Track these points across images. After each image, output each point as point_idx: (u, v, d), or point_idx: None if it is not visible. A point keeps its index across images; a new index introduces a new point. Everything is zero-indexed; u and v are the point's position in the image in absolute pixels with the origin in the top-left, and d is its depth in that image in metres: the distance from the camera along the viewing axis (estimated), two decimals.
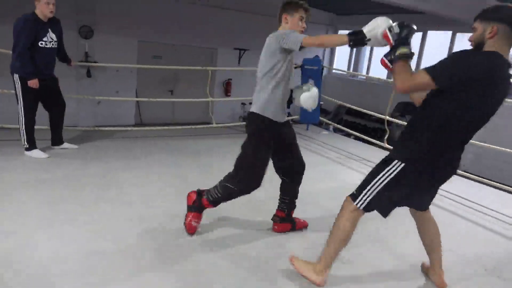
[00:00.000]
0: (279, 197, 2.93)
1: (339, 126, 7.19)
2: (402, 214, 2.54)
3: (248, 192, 2.64)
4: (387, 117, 5.24)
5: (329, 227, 2.24)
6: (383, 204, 2.12)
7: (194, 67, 7.15)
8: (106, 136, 5.09)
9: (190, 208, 2.74)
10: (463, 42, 8.92)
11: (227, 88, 9.66)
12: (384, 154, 5.34)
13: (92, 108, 7.92)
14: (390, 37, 2.03)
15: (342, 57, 11.14)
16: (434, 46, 9.01)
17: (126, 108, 8.49)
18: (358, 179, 2.31)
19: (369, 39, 2.09)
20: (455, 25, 7.78)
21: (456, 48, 8.27)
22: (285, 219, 2.93)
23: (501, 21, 1.85)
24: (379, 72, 9.64)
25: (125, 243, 2.59)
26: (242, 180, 2.58)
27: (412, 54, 1.95)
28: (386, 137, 5.18)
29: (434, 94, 1.98)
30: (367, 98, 8.42)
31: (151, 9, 8.23)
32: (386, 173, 2.04)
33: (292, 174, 2.80)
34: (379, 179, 2.06)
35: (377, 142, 5.66)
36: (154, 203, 3.27)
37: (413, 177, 2.03)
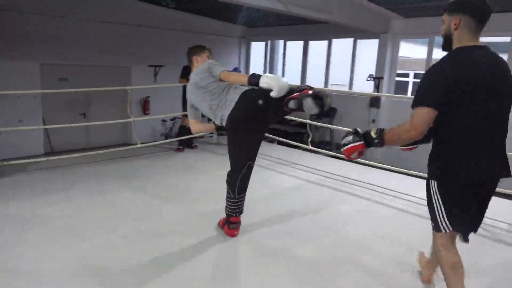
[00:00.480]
0: None
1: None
2: None
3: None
4: (309, 121, 5.53)
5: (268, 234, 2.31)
6: (455, 219, 1.97)
7: (110, 87, 6.79)
8: (17, 171, 4.56)
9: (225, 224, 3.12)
10: (363, 48, 9.86)
11: (145, 107, 9.35)
12: (309, 155, 5.64)
13: None
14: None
15: (258, 69, 11.53)
16: (340, 53, 9.80)
17: (33, 137, 7.73)
18: (290, 183, 2.46)
19: (261, 86, 2.62)
20: (355, 33, 8.56)
21: (357, 53, 9.09)
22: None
23: (464, 12, 1.85)
24: (293, 80, 10.16)
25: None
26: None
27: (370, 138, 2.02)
28: (310, 140, 5.47)
29: None
30: None
31: (51, 29, 7.66)
32: (434, 194, 1.99)
33: None
34: (435, 201, 1.99)
35: (302, 145, 5.95)
36: (89, 237, 3.02)
37: (451, 192, 1.95)
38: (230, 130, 2.86)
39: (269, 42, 10.94)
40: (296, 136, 9.16)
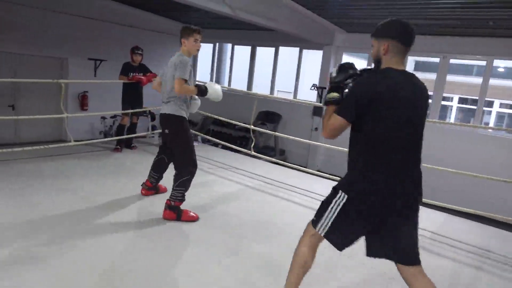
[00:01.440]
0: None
1: (207, 136, 7.34)
2: None
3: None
4: (252, 126, 5.57)
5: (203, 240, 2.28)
6: (337, 235, 1.99)
7: (39, 80, 6.36)
8: None
9: (178, 217, 3.44)
10: (309, 58, 10.17)
11: (83, 102, 8.83)
12: (251, 161, 5.67)
13: None
14: None
15: (204, 72, 11.41)
16: (285, 60, 10.01)
17: None
18: (231, 189, 2.47)
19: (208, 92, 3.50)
20: (301, 42, 8.80)
21: (303, 63, 9.36)
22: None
23: (391, 37, 1.96)
24: (240, 84, 10.20)
25: None
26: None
27: (339, 99, 2.01)
28: (252, 145, 5.51)
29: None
30: (232, 109, 8.82)
31: None
32: (335, 203, 1.98)
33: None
34: (332, 208, 1.99)
35: (244, 150, 5.98)
36: (5, 243, 2.76)
37: (354, 209, 1.94)
38: (187, 129, 3.48)
39: (217, 44, 10.89)
40: (241, 140, 9.20)
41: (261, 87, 10.19)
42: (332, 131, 1.98)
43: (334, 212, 1.97)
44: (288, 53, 9.81)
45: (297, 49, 9.26)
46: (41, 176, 4.27)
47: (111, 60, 8.65)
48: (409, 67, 13.90)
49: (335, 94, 2.02)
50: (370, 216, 1.93)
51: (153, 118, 9.36)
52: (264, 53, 10.18)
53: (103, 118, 8.81)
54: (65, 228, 3.09)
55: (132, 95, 6.16)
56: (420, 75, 2.13)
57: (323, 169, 8.05)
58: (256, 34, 9.51)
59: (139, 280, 2.48)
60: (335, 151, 6.26)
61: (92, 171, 4.72)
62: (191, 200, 3.79)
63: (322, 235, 2.00)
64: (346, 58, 9.02)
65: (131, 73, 6.14)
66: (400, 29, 1.98)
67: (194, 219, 3.49)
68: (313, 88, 8.70)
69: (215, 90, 3.54)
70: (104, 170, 4.85)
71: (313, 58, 9.66)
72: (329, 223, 1.98)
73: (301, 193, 4.71)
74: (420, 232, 2.07)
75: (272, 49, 9.66)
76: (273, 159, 5.94)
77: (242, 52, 10.52)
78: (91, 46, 8.68)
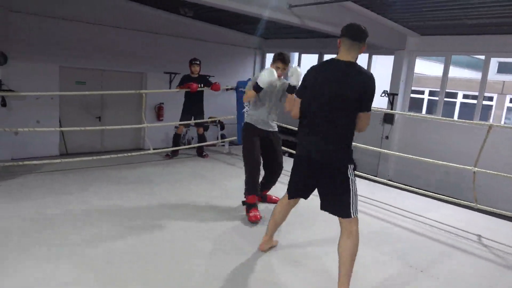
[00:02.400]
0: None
1: None
2: None
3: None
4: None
5: None
6: (289, 187, 2.74)
7: (125, 91, 6.96)
8: (30, 171, 4.66)
9: (249, 207, 3.71)
10: (377, 63, 9.85)
11: (159, 113, 9.46)
12: None
13: (9, 140, 7.20)
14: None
15: None
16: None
17: (49, 138, 7.86)
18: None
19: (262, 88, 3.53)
20: (371, 48, 8.55)
21: (373, 68, 9.08)
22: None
23: (342, 35, 2.51)
24: None
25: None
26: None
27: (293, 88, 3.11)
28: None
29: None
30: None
31: (73, 33, 7.84)
32: (353, 182, 2.49)
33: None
34: (355, 189, 2.51)
35: None
36: (99, 243, 3.05)
37: (294, 165, 2.66)
38: (247, 134, 3.89)
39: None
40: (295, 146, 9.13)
41: None
42: (293, 107, 2.68)
43: (356, 188, 2.50)
44: (361, 60, 9.57)
45: (366, 55, 9.01)
46: (126, 183, 4.64)
47: (184, 73, 9.16)
48: (492, 68, 12.75)
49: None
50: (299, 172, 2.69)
51: (222, 128, 9.72)
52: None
53: (177, 127, 9.34)
54: (148, 230, 3.33)
55: (191, 106, 6.32)
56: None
57: (394, 178, 7.70)
58: (323, 42, 9.45)
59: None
60: (408, 159, 5.99)
61: (170, 178, 5.02)
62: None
63: (357, 215, 2.49)
64: (419, 62, 8.59)
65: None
66: (347, 27, 2.53)
67: (252, 220, 3.59)
68: (383, 94, 8.39)
69: (261, 75, 3.50)
70: (181, 175, 5.12)
71: (382, 64, 9.32)
72: (357, 201, 2.51)
73: (374, 204, 4.56)
74: None
75: None
76: None
77: (309, 60, 10.51)
78: (166, 61, 9.29)
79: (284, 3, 5.89)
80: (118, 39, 8.47)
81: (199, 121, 6.51)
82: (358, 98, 2.39)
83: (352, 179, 2.45)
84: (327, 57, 9.93)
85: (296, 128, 2.74)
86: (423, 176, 7.66)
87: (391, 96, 8.27)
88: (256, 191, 3.72)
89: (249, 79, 7.23)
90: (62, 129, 7.27)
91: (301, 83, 2.62)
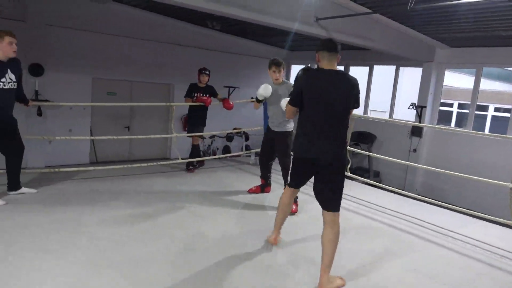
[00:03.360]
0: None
1: None
2: None
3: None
4: (348, 147, 5.49)
5: None
6: (292, 181, 3.07)
7: (155, 103, 7.13)
8: (64, 178, 4.83)
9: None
10: (404, 75, 9.72)
11: (185, 123, 9.61)
12: (347, 182, 5.54)
13: (43, 148, 7.49)
14: None
15: None
16: (379, 79, 9.71)
17: (80, 146, 8.13)
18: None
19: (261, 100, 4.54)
20: (398, 60, 8.48)
21: (399, 80, 8.98)
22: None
23: (319, 49, 2.83)
24: None
25: None
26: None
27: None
28: (348, 166, 5.41)
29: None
30: None
31: (105, 46, 8.15)
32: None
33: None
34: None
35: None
36: (127, 247, 3.13)
37: (297, 165, 2.97)
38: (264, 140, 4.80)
39: (309, 65, 11.03)
40: None
41: None
42: (290, 114, 3.00)
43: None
44: (379, 72, 9.50)
45: (391, 67, 8.93)
46: (154, 191, 4.74)
47: (211, 85, 9.32)
48: None
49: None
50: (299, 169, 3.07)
51: (247, 138, 9.79)
52: (356, 72, 10.01)
53: (202, 138, 9.48)
54: (179, 239, 3.38)
55: (195, 117, 6.26)
56: None
57: (423, 193, 7.52)
58: (348, 54, 9.42)
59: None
60: (437, 174, 5.82)
61: (197, 188, 5.08)
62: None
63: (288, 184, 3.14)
64: (447, 74, 8.42)
65: (195, 93, 6.20)
66: (322, 42, 2.87)
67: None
68: (411, 107, 8.26)
69: (258, 90, 4.42)
70: (207, 186, 5.18)
71: (409, 76, 9.20)
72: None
73: (402, 218, 4.47)
74: None
75: (365, 68, 9.46)
76: (369, 181, 5.73)
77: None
78: (193, 72, 9.46)
79: (311, 16, 5.95)
80: (147, 52, 8.73)
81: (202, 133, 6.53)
82: (353, 99, 2.80)
83: (344, 178, 2.82)
84: (353, 69, 9.92)
85: None
86: (452, 191, 7.45)
87: (419, 108, 8.13)
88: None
89: None
90: (94, 137, 7.52)
91: (294, 92, 2.87)
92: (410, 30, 7.05)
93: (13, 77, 3.76)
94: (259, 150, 7.22)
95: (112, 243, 3.17)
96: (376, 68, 9.34)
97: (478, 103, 7.88)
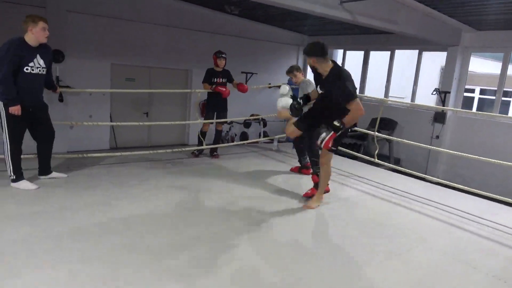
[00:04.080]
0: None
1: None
2: None
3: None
4: (376, 133, 5.41)
5: None
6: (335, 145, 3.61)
7: (174, 90, 7.08)
8: (92, 163, 4.86)
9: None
10: (429, 59, 9.49)
11: (203, 109, 9.58)
12: (369, 168, 5.42)
13: (65, 133, 7.54)
14: None
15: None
16: (397, 64, 9.51)
17: (100, 132, 8.19)
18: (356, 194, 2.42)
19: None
20: (421, 44, 8.26)
21: (424, 65, 8.77)
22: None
23: (312, 56, 3.54)
24: None
25: (143, 282, 2.45)
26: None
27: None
28: (376, 152, 5.35)
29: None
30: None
31: (123, 32, 8.11)
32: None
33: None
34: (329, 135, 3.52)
35: (364, 156, 5.82)
36: (162, 231, 3.13)
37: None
38: None
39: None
40: (352, 146, 8.97)
41: (374, 92, 9.82)
42: (362, 107, 3.50)
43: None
44: (398, 57, 9.27)
45: (410, 51, 8.72)
46: (182, 176, 4.74)
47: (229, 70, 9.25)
48: None
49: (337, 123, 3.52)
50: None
51: (264, 125, 9.73)
52: (375, 57, 9.80)
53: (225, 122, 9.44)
54: (211, 226, 3.38)
55: (215, 102, 5.97)
56: None
57: (445, 179, 7.38)
58: (369, 38, 9.24)
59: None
60: (460, 160, 5.65)
61: (223, 172, 5.07)
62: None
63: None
64: (474, 60, 8.18)
65: (215, 79, 5.94)
66: (317, 49, 3.54)
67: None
68: (435, 92, 8.08)
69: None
70: (231, 172, 5.16)
71: (427, 61, 8.97)
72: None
73: (431, 204, 4.39)
74: None
75: (385, 53, 9.26)
76: (398, 168, 5.63)
77: (353, 56, 10.31)
78: (211, 58, 9.40)
79: None
80: (165, 38, 8.67)
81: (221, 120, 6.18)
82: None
83: None
84: (373, 54, 9.72)
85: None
86: (477, 179, 7.30)
87: (443, 94, 7.94)
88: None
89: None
90: (114, 123, 7.54)
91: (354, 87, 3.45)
92: (436, 12, 6.84)
93: (42, 62, 3.75)
94: (282, 136, 7.20)
95: (147, 227, 3.17)
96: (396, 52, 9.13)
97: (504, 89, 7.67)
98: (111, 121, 8.27)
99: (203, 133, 6.02)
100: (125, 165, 4.99)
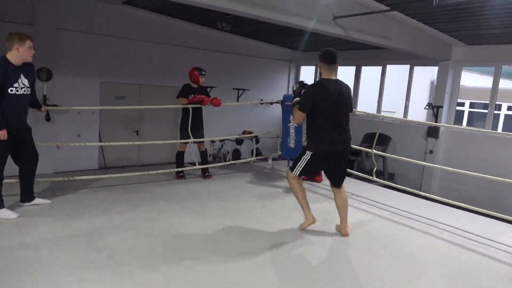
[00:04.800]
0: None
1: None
2: None
3: None
4: (374, 151, 5.32)
5: None
6: (305, 172, 3.61)
7: (163, 106, 6.92)
8: (79, 186, 4.63)
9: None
10: (418, 74, 9.52)
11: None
12: (363, 185, 5.28)
13: (51, 153, 7.28)
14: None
15: None
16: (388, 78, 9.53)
17: (89, 152, 7.95)
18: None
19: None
20: (412, 59, 8.28)
21: (414, 79, 8.78)
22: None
23: (320, 59, 3.48)
24: None
25: None
26: None
27: (298, 101, 3.57)
28: (374, 170, 5.24)
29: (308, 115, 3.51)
30: None
31: (113, 49, 7.97)
32: (304, 158, 3.52)
33: None
34: (302, 161, 3.54)
35: (365, 176, 5.68)
36: (155, 265, 2.92)
37: (315, 159, 3.49)
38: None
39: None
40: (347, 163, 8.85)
41: (366, 107, 9.78)
42: (299, 119, 3.57)
43: (304, 162, 3.54)
44: (390, 71, 9.29)
45: (407, 66, 8.73)
46: (174, 199, 4.54)
47: (220, 87, 9.17)
48: None
49: (298, 99, 3.61)
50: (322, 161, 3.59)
51: (257, 141, 9.58)
52: (365, 72, 9.80)
53: (212, 141, 9.28)
54: (208, 253, 3.18)
55: (192, 121, 5.52)
56: None
57: (439, 195, 7.30)
58: (361, 54, 9.24)
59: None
60: (454, 175, 5.54)
61: (216, 195, 4.89)
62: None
63: (297, 175, 3.59)
64: (463, 74, 8.19)
65: (191, 95, 5.58)
66: (323, 54, 3.48)
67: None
68: (428, 107, 8.06)
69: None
70: (226, 193, 4.99)
71: (417, 75, 8.99)
72: (300, 168, 3.57)
73: (431, 224, 4.26)
74: None
75: (376, 68, 9.26)
76: (393, 184, 5.52)
77: (345, 72, 10.30)
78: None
79: (328, 15, 5.76)
80: (156, 55, 8.55)
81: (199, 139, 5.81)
82: (351, 102, 3.63)
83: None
84: (365, 69, 9.73)
85: None
86: (472, 194, 7.23)
87: (435, 108, 7.92)
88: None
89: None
90: (102, 144, 7.34)
91: (307, 101, 3.44)
92: (428, 27, 6.86)
93: (26, 82, 3.58)
94: (276, 154, 7.07)
95: (136, 259, 2.96)
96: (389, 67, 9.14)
97: (486, 102, 7.68)
98: (100, 139, 8.05)
99: (180, 153, 5.67)
100: (114, 188, 4.77)
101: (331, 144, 3.41)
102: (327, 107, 3.37)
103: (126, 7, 7.71)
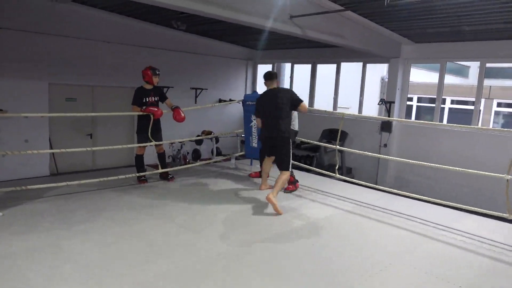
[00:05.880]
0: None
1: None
2: None
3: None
4: (338, 147, 5.49)
5: None
6: (262, 157, 5.26)
7: (118, 112, 6.69)
8: (33, 196, 4.34)
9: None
10: (369, 70, 9.90)
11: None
12: (321, 180, 5.41)
13: None
14: None
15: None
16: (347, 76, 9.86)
17: (39, 158, 7.46)
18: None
19: None
20: (365, 57, 8.61)
21: (367, 76, 9.14)
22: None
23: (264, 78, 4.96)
24: None
25: None
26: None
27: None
28: (337, 167, 5.40)
29: None
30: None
31: (62, 49, 7.55)
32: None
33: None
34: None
35: (331, 174, 5.80)
36: (124, 274, 2.82)
37: (262, 144, 5.04)
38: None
39: (275, 64, 10.95)
40: (305, 159, 9.05)
41: (322, 104, 10.04)
42: (258, 123, 4.95)
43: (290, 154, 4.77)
44: (344, 68, 9.61)
45: (360, 64, 9.07)
46: (137, 207, 4.39)
47: (177, 86, 9.02)
48: (474, 74, 13.02)
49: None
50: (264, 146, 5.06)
51: (217, 141, 9.52)
52: (320, 69, 10.05)
53: (171, 142, 9.08)
54: (176, 258, 3.11)
55: (147, 124, 5.33)
56: None
57: (394, 187, 7.66)
58: (316, 52, 9.46)
59: None
60: (409, 168, 5.80)
61: (181, 197, 4.80)
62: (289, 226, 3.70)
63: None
64: (414, 71, 8.65)
65: (146, 98, 5.44)
66: (264, 75, 4.97)
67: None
68: (381, 103, 8.42)
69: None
70: (192, 195, 4.91)
71: (368, 71, 9.39)
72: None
73: (392, 214, 4.47)
74: None
75: (332, 65, 9.53)
76: (358, 182, 5.66)
77: (301, 69, 10.49)
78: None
79: (285, 14, 5.83)
80: (108, 54, 8.22)
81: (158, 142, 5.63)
82: (290, 100, 4.72)
83: (289, 148, 4.69)
84: (320, 67, 9.97)
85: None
86: (424, 184, 7.67)
87: (388, 104, 8.30)
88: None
89: (255, 91, 7.10)
90: (52, 151, 6.95)
91: (256, 108, 4.98)
92: (379, 26, 7.15)
93: None
94: (240, 153, 7.06)
95: (103, 269, 2.84)
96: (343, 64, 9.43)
97: (431, 96, 8.18)
98: (50, 145, 7.61)
99: (139, 157, 5.47)
100: (72, 196, 4.54)
101: (267, 133, 4.70)
102: (264, 109, 4.76)
103: (75, 5, 7.33)
